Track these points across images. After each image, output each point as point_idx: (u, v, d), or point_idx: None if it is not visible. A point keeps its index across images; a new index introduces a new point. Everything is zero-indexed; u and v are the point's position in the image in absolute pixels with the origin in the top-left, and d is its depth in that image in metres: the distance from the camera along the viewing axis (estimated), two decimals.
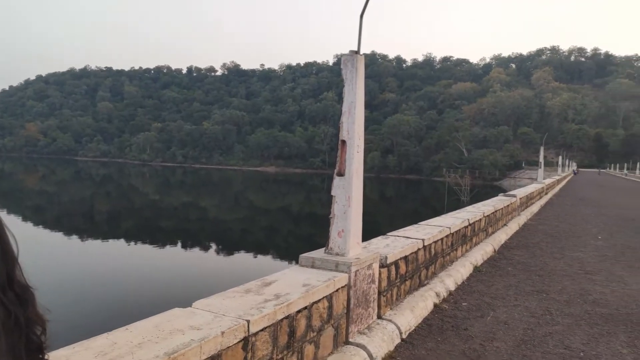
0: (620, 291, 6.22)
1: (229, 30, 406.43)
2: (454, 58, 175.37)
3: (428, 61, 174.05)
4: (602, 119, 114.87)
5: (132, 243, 25.73)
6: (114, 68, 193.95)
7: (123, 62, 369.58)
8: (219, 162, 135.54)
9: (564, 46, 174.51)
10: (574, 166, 76.49)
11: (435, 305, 5.17)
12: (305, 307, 3.10)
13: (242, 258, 23.57)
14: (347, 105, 3.89)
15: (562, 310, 5.30)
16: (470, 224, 7.88)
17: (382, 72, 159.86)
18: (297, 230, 35.49)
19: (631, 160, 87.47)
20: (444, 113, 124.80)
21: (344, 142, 3.88)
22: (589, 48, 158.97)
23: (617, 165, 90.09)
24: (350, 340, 3.66)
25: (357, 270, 3.77)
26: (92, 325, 10.94)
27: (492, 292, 5.93)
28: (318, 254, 3.90)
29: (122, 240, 26.52)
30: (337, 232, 3.88)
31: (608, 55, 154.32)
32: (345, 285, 3.63)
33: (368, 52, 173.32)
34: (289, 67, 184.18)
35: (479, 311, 5.15)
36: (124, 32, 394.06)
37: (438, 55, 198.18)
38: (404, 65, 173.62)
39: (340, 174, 3.88)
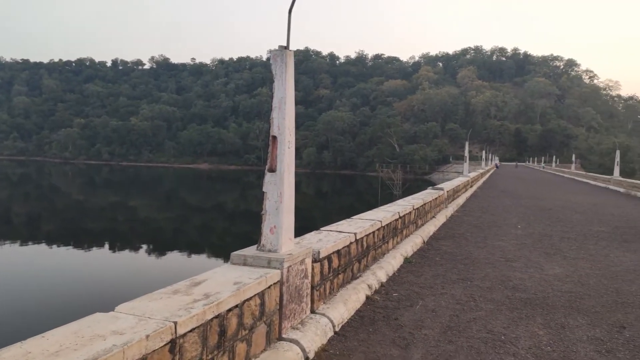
0: (538, 276, 6.66)
1: (157, 22, 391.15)
2: (385, 56, 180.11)
3: (360, 58, 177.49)
4: (521, 115, 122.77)
5: (54, 246, 24.21)
6: (31, 60, 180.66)
7: (41, 53, 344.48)
8: (149, 159, 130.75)
9: (487, 46, 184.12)
10: (496, 160, 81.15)
11: (368, 297, 5.28)
12: (237, 306, 3.05)
13: (175, 258, 22.90)
14: (277, 100, 3.86)
15: (485, 296, 5.61)
16: (400, 217, 8.12)
17: (316, 68, 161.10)
18: (232, 228, 34.99)
19: (547, 154, 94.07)
20: (377, 109, 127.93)
21: (274, 137, 3.86)
22: (509, 48, 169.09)
23: (535, 158, 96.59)
24: (283, 336, 3.66)
25: (290, 266, 3.77)
26: (4, 335, 10.18)
27: (421, 282, 6.15)
28: (250, 251, 3.86)
29: (42, 244, 24.88)
30: (269, 228, 3.86)
31: (527, 55, 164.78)
32: (278, 281, 3.62)
33: (302, 48, 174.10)
34: (222, 61, 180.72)
35: (409, 301, 5.32)
36: (41, 22, 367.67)
37: (370, 52, 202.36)
38: (337, 62, 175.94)
39: (272, 170, 3.86)
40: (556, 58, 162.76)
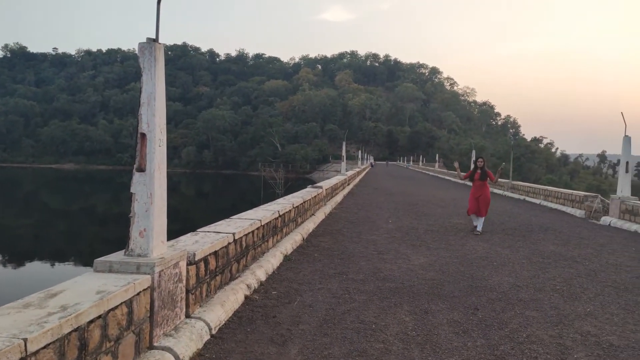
0: (405, 267, 7.18)
1: (11, 5, 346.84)
2: (266, 56, 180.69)
3: (241, 57, 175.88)
4: (392, 117, 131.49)
5: None
6: None
7: None
8: (3, 158, 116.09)
9: (362, 51, 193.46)
10: (371, 159, 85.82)
11: (247, 297, 5.25)
12: (100, 316, 2.83)
13: (35, 269, 20.61)
14: (146, 96, 3.66)
15: (359, 288, 5.89)
16: (280, 216, 8.20)
17: (195, 64, 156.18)
18: (104, 233, 32.48)
19: (416, 153, 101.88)
20: (258, 109, 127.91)
21: (143, 135, 3.65)
22: (381, 54, 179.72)
23: (405, 158, 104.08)
24: (155, 344, 3.48)
25: (162, 271, 3.60)
26: None
27: (299, 279, 6.27)
28: (117, 256, 3.60)
29: None
30: (138, 231, 3.64)
31: (397, 62, 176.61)
32: (148, 287, 3.43)
33: (179, 43, 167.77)
34: (89, 53, 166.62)
35: (287, 298, 5.40)
36: None
37: (251, 51, 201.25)
38: (217, 59, 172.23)
39: (141, 170, 3.65)
40: (422, 66, 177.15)
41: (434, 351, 4.01)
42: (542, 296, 5.80)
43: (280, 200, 9.94)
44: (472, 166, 11.40)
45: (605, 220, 13.81)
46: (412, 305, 5.28)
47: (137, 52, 3.74)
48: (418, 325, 4.62)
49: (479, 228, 10.78)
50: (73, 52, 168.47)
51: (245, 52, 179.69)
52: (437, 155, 78.12)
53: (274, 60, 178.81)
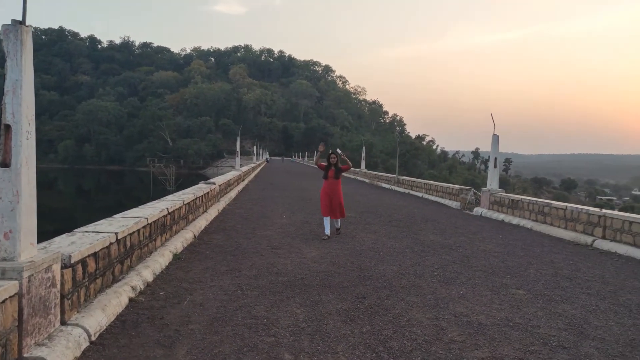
0: (298, 260, 7.31)
1: None
2: (154, 45, 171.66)
3: (126, 45, 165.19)
4: (287, 113, 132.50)
5: None
6: None
7: None
8: None
9: (256, 46, 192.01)
10: (266, 155, 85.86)
11: (131, 300, 4.99)
12: None
13: None
14: (10, 83, 3.31)
15: (251, 284, 5.89)
16: (169, 213, 7.89)
17: (73, 51, 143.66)
18: None
19: (310, 149, 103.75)
20: (146, 101, 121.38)
21: (8, 126, 3.31)
22: (276, 50, 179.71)
23: (301, 153, 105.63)
24: (25, 355, 3.18)
25: (32, 275, 3.29)
26: None
27: (190, 277, 6.10)
28: None
29: None
30: (3, 233, 3.29)
31: (291, 59, 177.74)
32: (16, 294, 3.12)
33: (55, 26, 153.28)
34: None
35: (177, 298, 5.23)
36: None
37: (137, 40, 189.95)
38: (99, 46, 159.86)
39: (5, 165, 3.30)
40: (315, 63, 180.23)
41: (323, 340, 4.15)
42: (421, 282, 6.26)
43: (169, 197, 9.57)
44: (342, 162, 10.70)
45: (477, 210, 15.27)
46: (303, 297, 5.40)
47: (0, 35, 3.38)
48: (309, 317, 4.74)
49: (327, 231, 9.39)
50: None
51: (131, 40, 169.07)
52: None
53: (163, 50, 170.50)
